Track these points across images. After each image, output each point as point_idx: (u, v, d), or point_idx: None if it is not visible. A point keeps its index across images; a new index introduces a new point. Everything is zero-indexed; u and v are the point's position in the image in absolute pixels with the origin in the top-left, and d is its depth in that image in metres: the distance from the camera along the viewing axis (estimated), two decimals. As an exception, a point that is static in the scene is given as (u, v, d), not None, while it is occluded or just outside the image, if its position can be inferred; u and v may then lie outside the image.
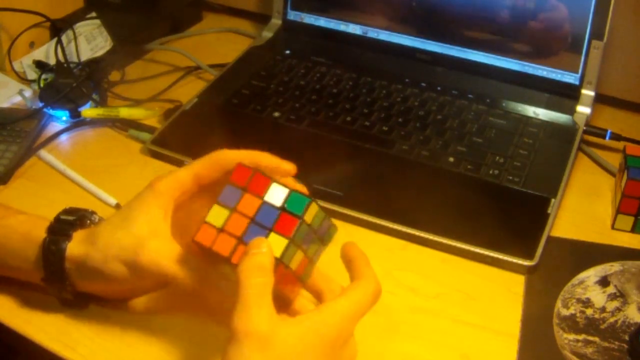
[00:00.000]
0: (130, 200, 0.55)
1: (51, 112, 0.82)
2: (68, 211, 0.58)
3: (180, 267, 0.52)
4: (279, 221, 0.50)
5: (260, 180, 0.51)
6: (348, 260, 0.53)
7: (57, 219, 0.56)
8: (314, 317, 0.48)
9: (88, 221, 0.58)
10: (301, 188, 0.53)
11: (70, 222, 0.56)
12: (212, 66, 0.93)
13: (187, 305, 0.58)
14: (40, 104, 0.82)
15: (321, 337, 0.47)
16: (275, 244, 0.49)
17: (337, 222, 0.53)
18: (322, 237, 0.52)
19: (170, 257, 0.52)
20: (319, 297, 0.54)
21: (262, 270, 0.47)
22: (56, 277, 0.55)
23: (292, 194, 0.50)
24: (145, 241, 0.52)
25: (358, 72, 0.88)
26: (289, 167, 0.55)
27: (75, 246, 0.54)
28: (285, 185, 0.50)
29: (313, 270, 0.53)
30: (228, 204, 0.51)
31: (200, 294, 0.52)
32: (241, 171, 0.51)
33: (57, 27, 0.92)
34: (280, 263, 0.49)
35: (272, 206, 0.50)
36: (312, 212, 0.50)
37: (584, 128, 0.79)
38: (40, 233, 0.55)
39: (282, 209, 0.50)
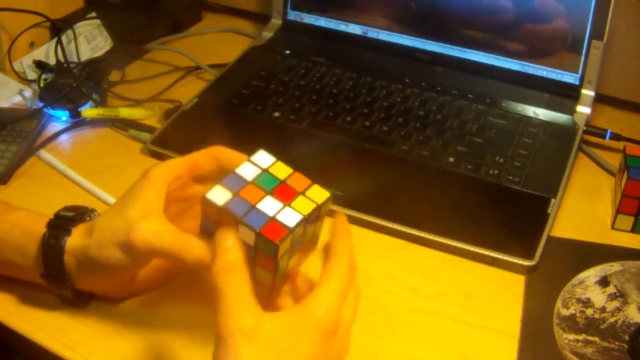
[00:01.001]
0: (126, 190, 0.55)
1: (51, 112, 0.82)
2: (68, 208, 0.58)
3: (170, 241, 0.51)
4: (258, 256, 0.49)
5: (229, 218, 0.49)
6: (331, 234, 0.52)
7: (57, 215, 0.57)
8: (297, 312, 0.47)
9: (88, 218, 0.58)
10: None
11: (70, 217, 0.56)
12: (212, 66, 0.93)
13: (190, 299, 0.59)
14: (40, 104, 0.82)
15: (308, 331, 0.46)
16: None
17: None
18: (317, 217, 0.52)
19: (160, 234, 0.51)
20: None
21: (235, 267, 0.47)
22: (55, 272, 0.55)
23: (260, 237, 0.48)
24: (136, 222, 0.52)
25: (358, 72, 0.88)
26: None
27: (74, 240, 0.55)
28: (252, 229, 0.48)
29: (320, 230, 0.53)
30: (207, 231, 0.51)
31: (193, 265, 0.51)
32: (208, 206, 0.50)
33: (57, 27, 0.92)
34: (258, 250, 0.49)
35: (250, 245, 0.49)
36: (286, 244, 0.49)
37: (584, 128, 0.79)
38: (41, 228, 0.55)
39: (255, 249, 0.49)
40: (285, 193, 0.50)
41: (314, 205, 0.50)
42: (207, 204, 0.49)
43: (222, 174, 0.54)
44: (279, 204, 0.49)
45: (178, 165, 0.56)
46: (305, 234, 0.51)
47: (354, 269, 0.50)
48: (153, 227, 0.52)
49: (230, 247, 0.48)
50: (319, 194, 0.51)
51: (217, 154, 0.56)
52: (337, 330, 0.48)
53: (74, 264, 0.55)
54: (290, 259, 0.51)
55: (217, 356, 0.45)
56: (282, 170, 0.52)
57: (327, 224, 0.53)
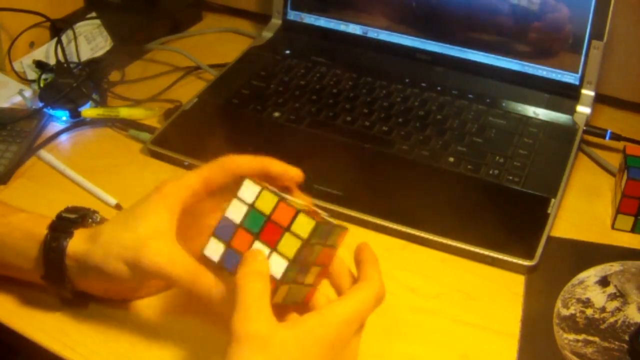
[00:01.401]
0: (136, 201, 0.54)
1: (51, 112, 0.82)
2: (70, 209, 0.58)
3: (182, 271, 0.51)
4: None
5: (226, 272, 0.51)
6: (357, 262, 0.53)
7: (59, 217, 0.56)
8: (312, 319, 0.48)
9: (90, 220, 0.58)
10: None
11: (71, 219, 0.56)
12: (212, 66, 0.93)
13: (190, 307, 0.58)
14: (40, 104, 0.82)
15: (318, 339, 0.47)
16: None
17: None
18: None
19: (172, 261, 0.51)
20: (339, 292, 0.54)
21: (259, 276, 0.48)
22: (56, 274, 0.55)
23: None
24: (147, 241, 0.51)
25: (358, 72, 0.88)
26: (295, 173, 0.55)
27: (77, 243, 0.54)
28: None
29: (339, 237, 0.53)
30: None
31: (200, 297, 0.51)
32: (207, 260, 0.51)
33: (57, 27, 0.92)
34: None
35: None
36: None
37: (584, 128, 0.79)
38: (42, 230, 0.55)
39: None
40: (272, 233, 0.50)
41: (299, 244, 0.49)
42: (205, 258, 0.51)
43: (237, 183, 0.54)
44: (266, 251, 0.50)
45: (193, 183, 0.55)
46: (311, 256, 0.51)
47: (381, 301, 0.51)
48: (165, 252, 0.51)
49: (261, 260, 0.49)
50: (305, 224, 0.50)
51: (228, 165, 0.55)
52: (347, 344, 0.49)
53: (76, 268, 0.54)
54: (305, 277, 0.52)
55: (229, 354, 0.45)
56: (268, 202, 0.51)
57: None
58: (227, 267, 0.50)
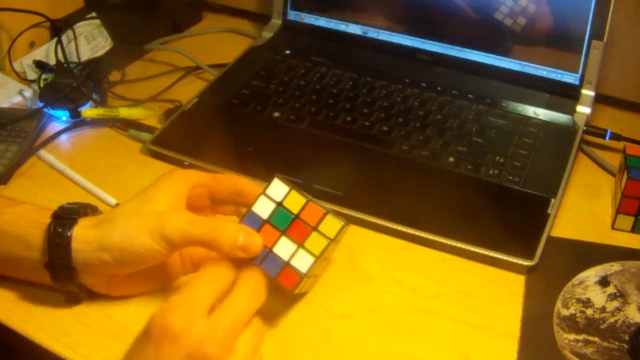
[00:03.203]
0: (146, 186, 0.57)
1: (51, 112, 0.82)
2: (71, 203, 0.58)
3: (203, 227, 0.52)
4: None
5: (249, 261, 0.53)
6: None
7: (62, 207, 0.57)
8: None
9: (90, 211, 0.58)
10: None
11: (75, 209, 0.57)
12: (212, 66, 0.93)
13: None
14: (40, 104, 0.82)
15: (142, 334, 0.48)
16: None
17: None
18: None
19: (192, 221, 0.53)
20: None
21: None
22: (62, 260, 0.54)
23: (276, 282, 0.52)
24: (167, 213, 0.54)
25: (358, 72, 0.88)
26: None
27: (84, 228, 0.55)
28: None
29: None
30: None
31: (227, 245, 0.52)
32: None
33: (57, 27, 0.92)
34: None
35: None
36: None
37: (584, 128, 0.79)
38: (46, 219, 0.55)
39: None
40: (299, 230, 0.53)
41: (326, 243, 0.52)
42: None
43: (237, 199, 0.57)
44: (293, 246, 0.52)
45: (201, 174, 0.58)
46: (328, 252, 0.54)
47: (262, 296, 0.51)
48: (184, 217, 0.53)
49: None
50: (332, 225, 0.53)
51: (238, 185, 0.58)
52: (173, 339, 0.47)
53: (84, 252, 0.54)
54: (317, 270, 0.55)
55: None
56: (296, 201, 0.54)
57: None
58: (254, 260, 0.52)
